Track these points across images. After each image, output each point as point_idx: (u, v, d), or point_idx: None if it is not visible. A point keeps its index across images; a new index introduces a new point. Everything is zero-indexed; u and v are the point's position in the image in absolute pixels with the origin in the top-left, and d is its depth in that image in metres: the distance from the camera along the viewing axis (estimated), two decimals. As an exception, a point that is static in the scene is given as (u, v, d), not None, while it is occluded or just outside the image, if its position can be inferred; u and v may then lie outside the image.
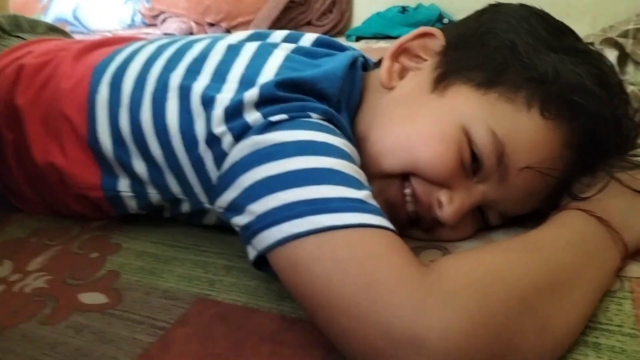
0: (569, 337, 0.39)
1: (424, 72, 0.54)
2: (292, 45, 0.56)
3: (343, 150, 0.45)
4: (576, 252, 0.43)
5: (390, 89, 0.55)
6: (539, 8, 0.54)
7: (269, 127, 0.45)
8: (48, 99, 0.62)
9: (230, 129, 0.47)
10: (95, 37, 1.85)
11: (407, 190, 0.52)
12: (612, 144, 0.51)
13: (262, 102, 0.47)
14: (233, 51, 0.55)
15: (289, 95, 0.47)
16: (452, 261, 0.41)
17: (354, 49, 0.61)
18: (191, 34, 1.78)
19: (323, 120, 0.47)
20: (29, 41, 0.76)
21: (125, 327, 0.47)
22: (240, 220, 0.45)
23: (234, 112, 0.47)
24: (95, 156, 0.59)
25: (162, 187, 0.58)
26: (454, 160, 0.49)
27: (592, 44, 1.18)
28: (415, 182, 0.52)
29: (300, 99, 0.47)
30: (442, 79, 0.52)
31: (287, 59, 0.53)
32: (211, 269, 0.55)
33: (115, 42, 0.70)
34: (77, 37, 1.60)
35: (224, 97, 0.49)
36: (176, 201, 0.59)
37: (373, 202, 0.43)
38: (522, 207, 0.54)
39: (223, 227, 0.51)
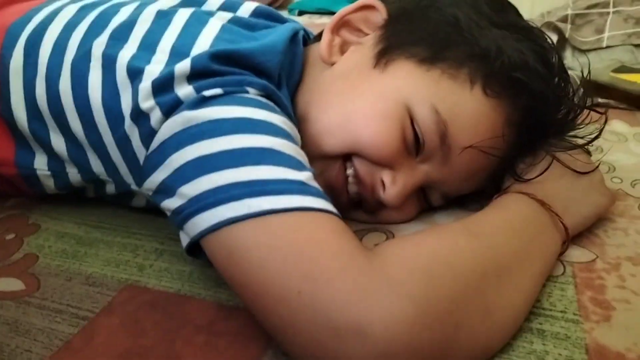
0: (513, 322, 0.39)
1: (365, 46, 0.52)
2: (228, 15, 0.53)
3: (283, 129, 0.43)
4: (519, 237, 0.43)
5: (331, 64, 0.53)
6: None
7: (202, 102, 0.42)
8: None
9: (159, 104, 0.43)
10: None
11: (349, 171, 0.50)
12: (553, 123, 0.51)
13: (195, 76, 0.43)
14: (164, 18, 0.50)
15: (224, 69, 0.44)
16: (396, 246, 0.39)
17: (294, 22, 0.58)
18: None
19: (262, 96, 0.44)
20: None
21: (43, 316, 0.43)
22: (170, 203, 0.41)
23: (163, 85, 0.43)
24: (9, 128, 0.54)
25: (82, 166, 0.53)
26: (397, 139, 0.48)
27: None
28: (357, 163, 0.50)
29: (238, 73, 0.44)
30: (384, 54, 0.50)
31: (223, 29, 0.49)
32: (141, 252, 0.51)
33: None
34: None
35: (153, 69, 0.45)
36: (99, 182, 0.54)
37: (315, 184, 0.41)
38: (465, 187, 0.53)
39: (154, 209, 0.47)
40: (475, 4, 0.50)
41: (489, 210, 0.46)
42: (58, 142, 0.52)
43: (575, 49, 1.03)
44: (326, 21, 1.68)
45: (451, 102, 0.47)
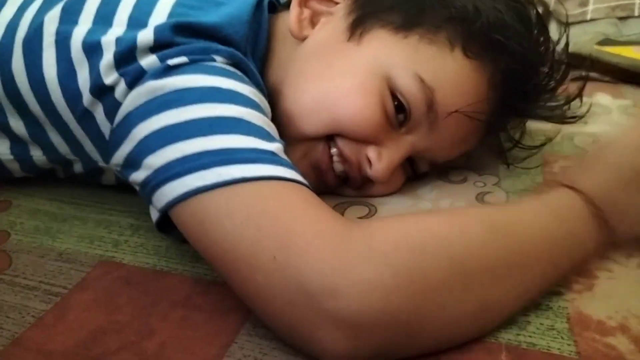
0: (500, 322, 0.37)
1: (336, 17, 0.50)
2: None
3: (251, 99, 0.41)
4: (547, 238, 0.38)
5: (303, 39, 0.51)
6: None
7: (167, 71, 0.41)
8: None
9: (122, 75, 0.42)
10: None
11: (334, 151, 0.49)
12: (537, 83, 0.50)
13: (158, 47, 0.42)
14: None
15: (188, 40, 0.42)
16: (392, 221, 0.38)
17: None
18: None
19: (229, 64, 0.43)
20: None
21: (15, 293, 0.42)
22: (137, 176, 0.40)
23: (125, 56, 0.42)
24: None
25: (46, 147, 0.51)
26: (378, 114, 0.46)
27: None
28: (340, 143, 0.48)
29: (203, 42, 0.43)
30: (358, 25, 0.48)
31: None
32: (115, 228, 0.50)
33: None
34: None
35: (110, 40, 0.43)
36: (66, 162, 0.53)
37: (284, 156, 0.40)
38: (452, 153, 0.52)
39: (128, 184, 0.46)
40: None
41: (523, 201, 0.44)
42: (17, 125, 0.50)
43: (560, 22, 1.02)
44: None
45: (433, 67, 0.46)
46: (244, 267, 0.34)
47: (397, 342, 0.33)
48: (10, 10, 0.51)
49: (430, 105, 0.46)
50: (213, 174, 0.36)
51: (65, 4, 0.47)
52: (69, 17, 0.46)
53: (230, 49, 0.43)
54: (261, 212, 0.35)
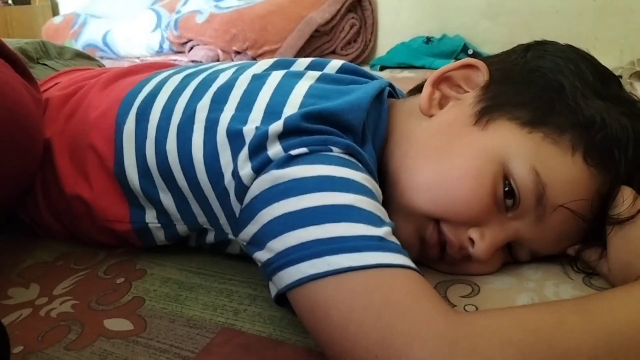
0: None
1: (464, 103, 0.53)
2: (317, 73, 0.56)
3: (363, 185, 0.45)
4: None
5: (430, 116, 0.54)
6: (585, 50, 0.53)
7: (288, 161, 0.45)
8: (75, 130, 0.63)
9: (251, 161, 0.47)
10: (123, 63, 1.90)
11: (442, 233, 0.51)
12: None
13: (286, 134, 0.46)
14: (258, 80, 0.55)
15: (313, 127, 0.47)
16: (490, 316, 0.38)
17: (381, 79, 0.61)
18: (217, 61, 1.81)
19: (345, 153, 0.47)
20: (56, 73, 0.78)
21: (149, 355, 0.46)
22: (261, 256, 0.44)
23: (258, 146, 0.47)
24: (122, 188, 0.59)
25: (188, 217, 0.58)
26: (487, 197, 0.48)
27: (621, 76, 1.18)
28: (445, 227, 0.50)
29: (324, 132, 0.47)
30: (485, 113, 0.50)
31: (312, 87, 0.53)
32: (236, 297, 0.54)
33: (140, 70, 0.71)
34: (106, 62, 1.64)
35: (249, 130, 0.48)
36: (202, 231, 0.59)
37: (393, 239, 0.42)
38: (553, 248, 0.52)
39: (247, 256, 0.51)
40: (581, 74, 0.50)
41: (616, 289, 0.42)
42: (166, 198, 0.57)
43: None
44: (407, 75, 1.73)
45: (551, 165, 0.47)
46: (347, 358, 0.37)
47: None
48: (164, 95, 0.59)
49: (540, 199, 0.47)
50: (324, 262, 0.39)
51: (215, 94, 0.54)
52: (217, 106, 0.53)
53: (347, 141, 0.47)
54: (364, 307, 0.37)
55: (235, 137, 0.49)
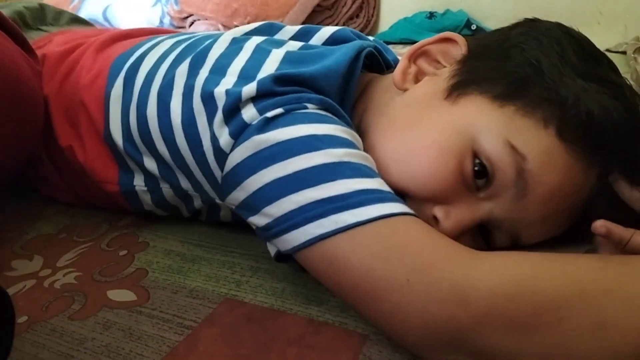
0: (632, 344, 0.35)
1: (439, 78, 0.51)
2: (299, 44, 0.56)
3: (346, 139, 0.45)
4: None
5: (403, 90, 0.53)
6: (577, 30, 0.51)
7: (267, 124, 0.45)
8: (70, 91, 0.63)
9: (228, 126, 0.47)
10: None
11: None
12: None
13: (259, 97, 0.46)
14: (236, 44, 0.54)
15: (285, 89, 0.47)
16: (503, 252, 0.41)
17: (367, 40, 0.59)
18: (218, 36, 1.79)
19: (320, 109, 0.47)
20: (53, 33, 0.78)
21: (152, 325, 0.47)
22: (257, 220, 0.45)
23: (231, 110, 0.47)
24: (112, 151, 0.60)
25: (173, 183, 0.58)
26: (451, 173, 0.46)
27: (625, 52, 1.17)
28: (409, 203, 0.46)
29: (296, 91, 0.47)
30: (457, 88, 0.49)
31: (289, 52, 0.52)
32: (238, 269, 0.55)
33: (138, 34, 0.70)
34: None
35: (221, 92, 0.48)
36: (188, 197, 0.59)
37: (387, 188, 0.43)
38: (538, 231, 0.49)
39: (249, 228, 0.51)
40: (563, 53, 0.48)
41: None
42: (150, 163, 0.58)
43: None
44: (410, 51, 1.71)
45: (526, 137, 0.45)
46: (377, 293, 0.39)
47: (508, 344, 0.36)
48: (152, 59, 0.59)
49: (521, 172, 0.44)
50: (330, 221, 0.40)
51: (192, 58, 0.54)
52: (194, 72, 0.52)
53: (320, 97, 0.47)
54: (385, 249, 0.39)
55: (208, 100, 0.49)
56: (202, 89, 0.50)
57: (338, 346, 0.43)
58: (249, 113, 0.46)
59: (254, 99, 0.46)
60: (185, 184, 0.57)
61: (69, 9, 2.18)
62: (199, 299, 0.50)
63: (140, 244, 0.62)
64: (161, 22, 1.99)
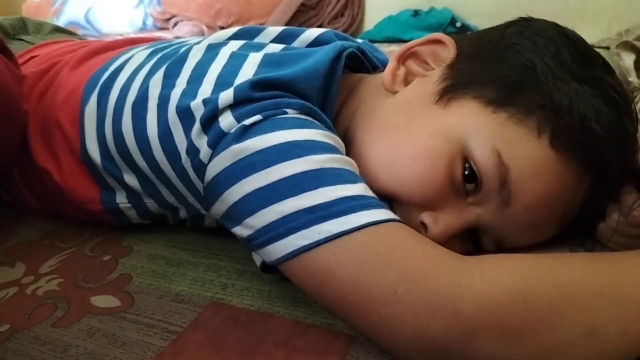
0: (622, 348, 0.36)
1: (430, 80, 0.50)
2: (280, 47, 0.54)
3: (327, 143, 0.43)
4: None
5: (393, 92, 0.52)
6: (572, 30, 0.50)
7: (245, 132, 0.43)
8: (45, 110, 0.61)
9: (206, 135, 0.45)
10: (102, 40, 1.86)
11: None
12: (621, 180, 0.47)
13: (236, 104, 0.45)
14: (212, 51, 0.53)
15: (264, 95, 0.45)
16: (494, 257, 0.40)
17: (350, 41, 0.58)
18: (203, 37, 1.78)
19: (300, 114, 0.45)
20: (33, 46, 0.77)
21: (137, 330, 0.46)
22: (240, 231, 0.44)
23: (209, 119, 0.45)
24: (90, 170, 0.59)
25: (157, 197, 0.57)
26: (441, 179, 0.45)
27: (608, 47, 1.17)
28: (397, 208, 0.47)
29: (275, 96, 0.45)
30: (448, 91, 0.47)
31: (267, 55, 0.50)
32: (224, 272, 0.54)
33: (115, 46, 0.68)
34: (89, 40, 1.61)
35: (198, 103, 0.47)
36: (174, 209, 0.59)
37: (371, 193, 0.42)
38: (521, 238, 0.48)
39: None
40: (558, 54, 0.47)
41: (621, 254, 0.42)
42: (130, 179, 0.56)
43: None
44: (395, 49, 1.70)
45: (515, 147, 0.44)
46: (365, 305, 0.38)
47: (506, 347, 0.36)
48: (127, 72, 0.57)
49: (503, 182, 0.44)
50: (313, 232, 0.39)
51: (166, 68, 0.52)
52: (169, 82, 0.51)
53: (302, 101, 0.45)
54: (370, 259, 0.38)
55: (184, 115, 0.47)
56: (178, 102, 0.49)
57: (325, 348, 0.43)
58: (227, 121, 0.44)
59: (231, 106, 0.45)
60: (169, 197, 0.56)
61: (51, 11, 2.16)
62: (185, 303, 0.50)
63: (125, 249, 0.61)
64: (144, 23, 1.98)
